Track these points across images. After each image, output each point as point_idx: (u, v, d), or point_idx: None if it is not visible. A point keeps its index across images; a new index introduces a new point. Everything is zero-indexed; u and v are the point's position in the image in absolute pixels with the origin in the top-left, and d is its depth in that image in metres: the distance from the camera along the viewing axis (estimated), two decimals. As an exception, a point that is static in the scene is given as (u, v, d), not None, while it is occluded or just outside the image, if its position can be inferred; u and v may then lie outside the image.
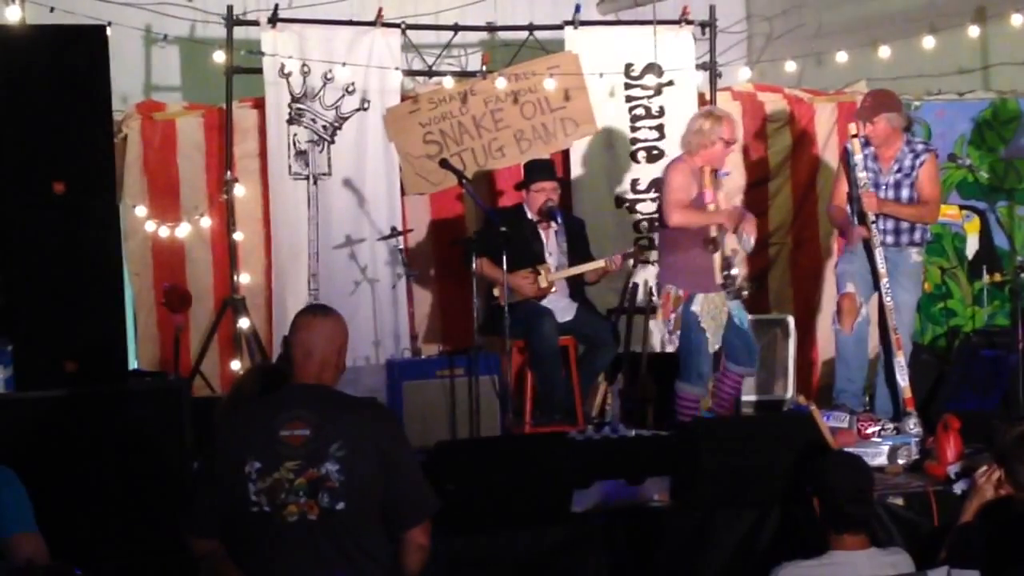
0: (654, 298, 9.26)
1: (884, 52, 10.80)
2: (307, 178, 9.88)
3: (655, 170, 10.36)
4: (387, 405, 8.67)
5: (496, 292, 8.73)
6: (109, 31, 6.61)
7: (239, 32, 10.01)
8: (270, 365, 6.23)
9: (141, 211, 9.78)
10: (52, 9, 8.82)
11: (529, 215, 9.19)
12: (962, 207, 10.67)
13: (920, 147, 8.73)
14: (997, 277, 10.40)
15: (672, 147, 10.33)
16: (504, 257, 8.42)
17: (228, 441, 4.74)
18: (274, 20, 9.83)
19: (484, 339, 8.85)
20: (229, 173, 9.82)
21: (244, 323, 9.65)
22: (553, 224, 9.20)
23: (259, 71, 9.87)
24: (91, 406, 6.28)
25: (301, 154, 9.87)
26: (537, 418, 8.92)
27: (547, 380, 8.86)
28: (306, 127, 9.87)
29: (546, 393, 8.88)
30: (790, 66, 11.24)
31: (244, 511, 4.65)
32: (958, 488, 6.98)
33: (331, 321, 4.91)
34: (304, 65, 9.82)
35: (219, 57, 9.89)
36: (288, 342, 4.95)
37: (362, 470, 4.67)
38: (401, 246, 9.78)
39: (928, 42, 10.74)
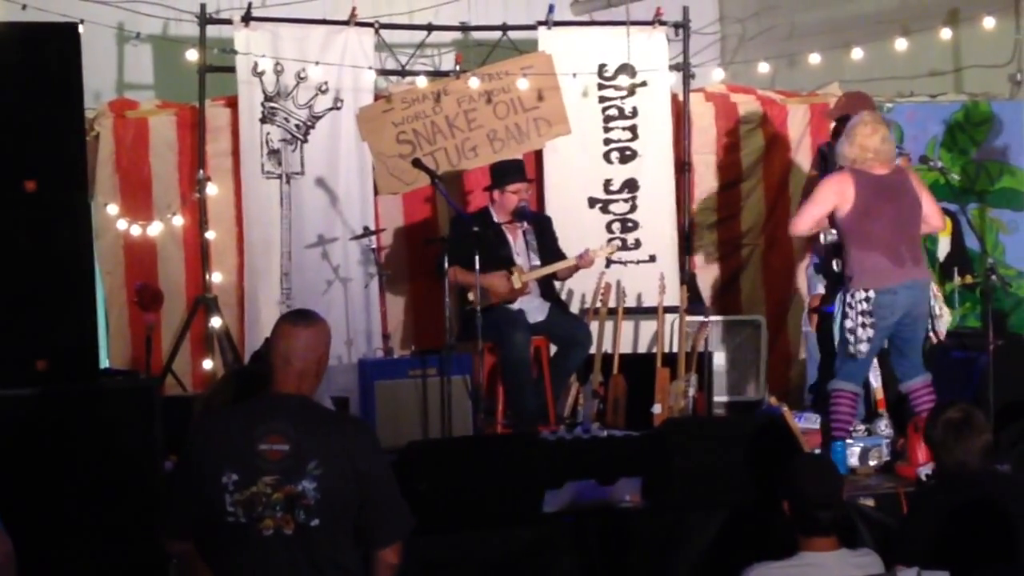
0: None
1: (857, 54, 10.82)
2: (280, 177, 9.87)
3: (628, 171, 10.38)
4: (359, 405, 8.68)
5: (471, 296, 8.71)
6: (81, 29, 6.56)
7: (212, 31, 9.99)
8: (246, 369, 6.21)
9: (113, 209, 9.75)
10: (24, 6, 8.78)
11: (495, 218, 9.19)
12: (933, 209, 10.70)
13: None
14: (968, 279, 10.42)
15: (645, 148, 10.36)
16: (476, 257, 8.43)
17: (205, 449, 4.69)
18: (247, 19, 9.81)
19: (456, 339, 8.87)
20: (202, 172, 9.80)
21: (216, 322, 9.64)
22: (523, 224, 9.20)
23: (232, 70, 9.87)
24: (62, 405, 6.25)
25: (274, 153, 9.86)
26: (509, 418, 8.93)
27: (517, 391, 8.86)
28: (279, 126, 9.86)
29: (515, 404, 8.88)
30: (763, 67, 11.25)
31: (220, 520, 4.62)
32: (929, 489, 7.00)
33: (313, 330, 4.81)
34: (277, 64, 9.81)
35: (192, 55, 9.87)
36: (269, 346, 4.91)
37: (338, 488, 4.63)
38: (374, 245, 9.77)
39: (900, 44, 10.76)
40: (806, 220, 7.95)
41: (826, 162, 8.71)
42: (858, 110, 8.53)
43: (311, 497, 4.61)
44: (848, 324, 7.77)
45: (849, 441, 7.91)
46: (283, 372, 4.76)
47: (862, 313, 7.75)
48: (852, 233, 7.83)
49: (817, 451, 7.76)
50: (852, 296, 7.75)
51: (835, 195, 7.87)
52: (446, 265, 8.56)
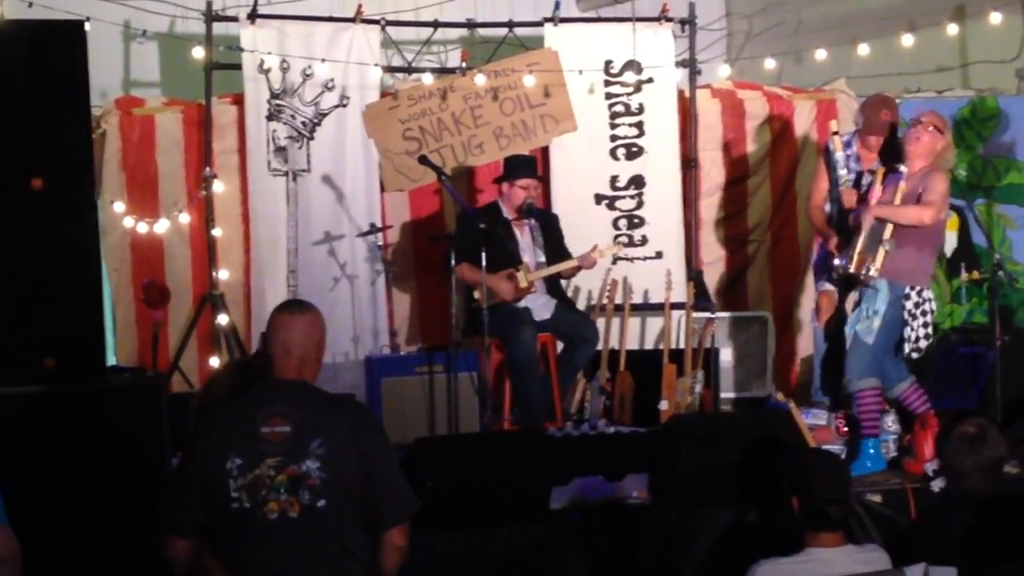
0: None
1: (863, 50, 10.82)
2: (286, 174, 9.87)
3: (634, 167, 10.37)
4: (366, 401, 8.68)
5: (477, 295, 8.70)
6: (88, 26, 6.61)
7: (218, 28, 9.99)
8: (245, 360, 6.22)
9: (120, 207, 9.75)
10: (31, 4, 8.78)
11: (504, 213, 9.18)
12: (940, 205, 10.69)
13: (902, 148, 8.73)
14: (975, 275, 10.41)
15: (651, 144, 10.35)
16: (483, 255, 8.42)
17: (209, 437, 4.73)
18: (253, 16, 9.81)
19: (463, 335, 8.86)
20: (208, 169, 9.80)
21: (223, 319, 9.64)
22: (530, 220, 9.19)
23: (238, 67, 9.86)
24: (69, 402, 6.28)
25: (280, 150, 9.85)
26: (516, 415, 8.92)
27: (524, 388, 8.84)
28: (285, 123, 9.86)
29: (523, 401, 8.87)
30: (769, 63, 11.24)
31: (225, 507, 4.65)
32: (935, 485, 6.99)
33: (308, 317, 4.89)
34: (283, 61, 9.81)
35: (198, 53, 9.86)
36: (267, 339, 4.94)
37: (342, 468, 4.67)
38: (380, 242, 9.78)
39: (907, 40, 10.75)
40: (936, 215, 7.94)
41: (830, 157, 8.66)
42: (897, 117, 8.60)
43: (316, 477, 4.64)
44: (917, 322, 7.86)
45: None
46: (284, 361, 4.82)
47: (932, 311, 7.91)
48: (936, 236, 8.08)
49: (828, 447, 7.75)
50: (920, 295, 7.87)
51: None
52: (453, 262, 8.55)
